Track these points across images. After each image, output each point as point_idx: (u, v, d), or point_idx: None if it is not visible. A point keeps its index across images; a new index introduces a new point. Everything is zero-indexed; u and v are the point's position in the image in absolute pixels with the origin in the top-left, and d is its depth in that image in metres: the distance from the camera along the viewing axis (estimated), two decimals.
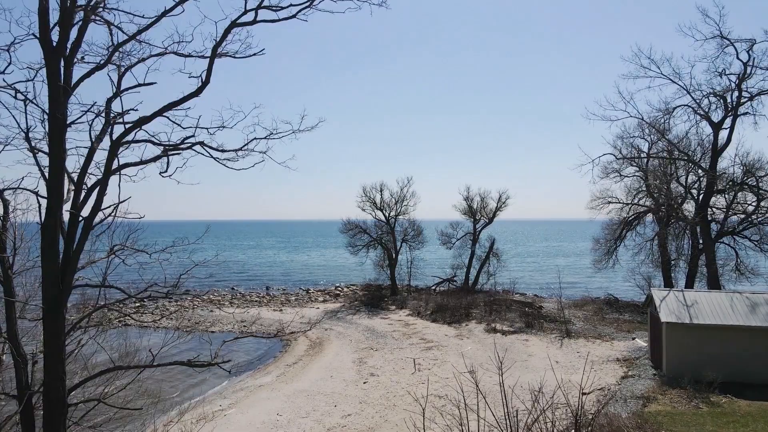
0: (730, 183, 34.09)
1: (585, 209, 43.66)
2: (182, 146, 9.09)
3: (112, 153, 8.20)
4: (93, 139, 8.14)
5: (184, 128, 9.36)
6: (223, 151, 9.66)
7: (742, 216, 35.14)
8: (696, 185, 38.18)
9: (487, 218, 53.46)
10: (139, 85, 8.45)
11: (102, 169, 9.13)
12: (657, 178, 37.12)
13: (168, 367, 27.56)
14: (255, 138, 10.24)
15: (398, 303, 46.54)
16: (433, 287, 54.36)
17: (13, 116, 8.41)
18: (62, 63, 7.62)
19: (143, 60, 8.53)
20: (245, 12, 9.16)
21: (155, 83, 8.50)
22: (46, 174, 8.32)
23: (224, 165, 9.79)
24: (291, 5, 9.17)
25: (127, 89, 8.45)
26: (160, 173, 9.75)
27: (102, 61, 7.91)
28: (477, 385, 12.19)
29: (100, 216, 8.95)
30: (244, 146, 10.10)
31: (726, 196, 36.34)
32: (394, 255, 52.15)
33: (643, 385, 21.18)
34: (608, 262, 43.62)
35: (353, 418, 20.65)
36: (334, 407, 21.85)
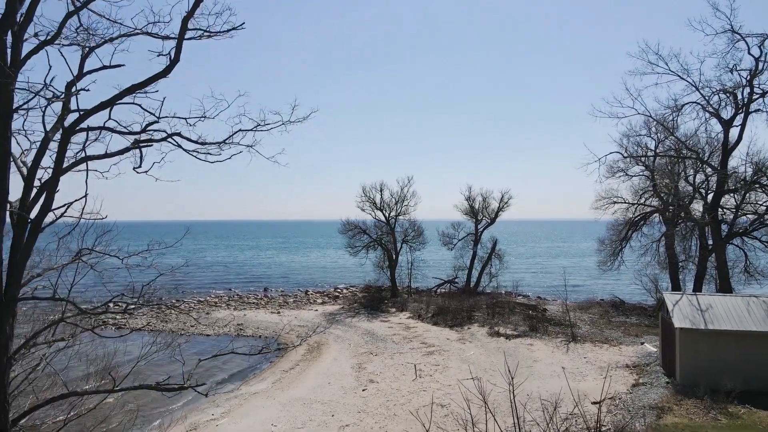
0: (741, 182, 33.05)
1: (589, 209, 42.64)
2: (155, 137, 8.07)
3: (64, 143, 7.19)
4: (47, 129, 7.13)
5: (159, 118, 8.34)
6: (203, 143, 8.65)
7: (753, 216, 34.10)
8: (704, 185, 37.16)
9: (489, 218, 52.45)
10: (105, 67, 7.44)
11: (67, 163, 8.09)
12: (666, 177, 36.06)
13: (159, 371, 26.38)
14: (240, 129, 9.23)
15: (398, 305, 45.52)
16: (434, 289, 53.33)
17: None
18: (10, 37, 6.60)
19: (111, 40, 7.52)
20: None
21: (123, 65, 7.49)
22: None
23: (205, 160, 8.78)
24: None
25: (90, 71, 7.43)
26: (134, 168, 8.74)
27: (52, 34, 6.87)
28: (486, 403, 11.20)
29: (50, 217, 7.92)
30: (227, 139, 9.08)
31: (735, 195, 35.34)
32: (394, 256, 51.13)
33: (656, 394, 20.15)
34: (613, 263, 42.56)
35: (351, 429, 19.63)
36: (332, 417, 20.83)
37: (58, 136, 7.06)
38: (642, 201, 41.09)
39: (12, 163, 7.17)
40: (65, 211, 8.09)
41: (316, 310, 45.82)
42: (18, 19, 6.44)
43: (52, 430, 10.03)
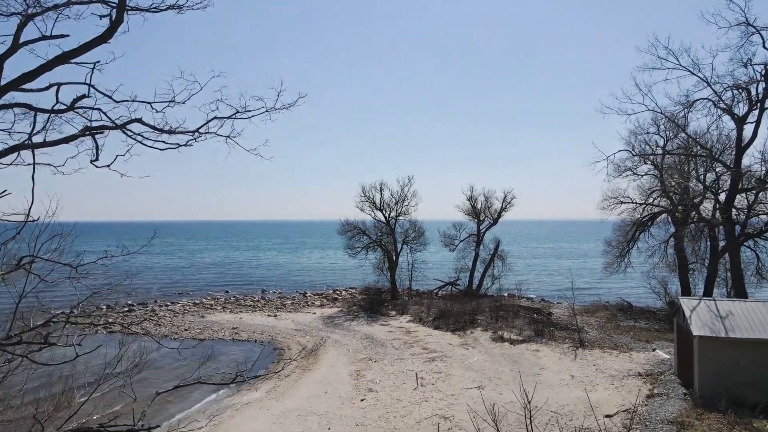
0: (756, 181, 31.78)
1: (595, 209, 41.32)
2: (107, 124, 6.82)
3: None
4: None
5: (117, 102, 7.09)
6: (171, 132, 7.38)
7: (767, 217, 32.84)
8: (715, 184, 35.89)
9: (491, 219, 51.20)
10: (44, 38, 6.19)
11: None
12: (678, 175, 34.77)
13: (147, 379, 25.06)
14: (217, 117, 7.97)
15: (399, 308, 44.25)
16: (436, 291, 52.06)
17: None
18: None
19: (56, 7, 6.28)
20: None
21: (68, 36, 6.25)
22: None
23: (176, 148, 7.52)
24: None
25: (27, 42, 6.19)
26: (91, 162, 7.47)
27: None
28: (496, 426, 9.98)
29: None
30: (202, 127, 7.82)
31: (747, 195, 34.08)
32: (394, 257, 49.89)
33: (673, 406, 18.87)
34: (620, 265, 41.28)
35: None
36: (328, 430, 19.57)
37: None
38: (650, 201, 39.82)
39: None
40: None
41: (314, 314, 44.56)
42: None
43: None
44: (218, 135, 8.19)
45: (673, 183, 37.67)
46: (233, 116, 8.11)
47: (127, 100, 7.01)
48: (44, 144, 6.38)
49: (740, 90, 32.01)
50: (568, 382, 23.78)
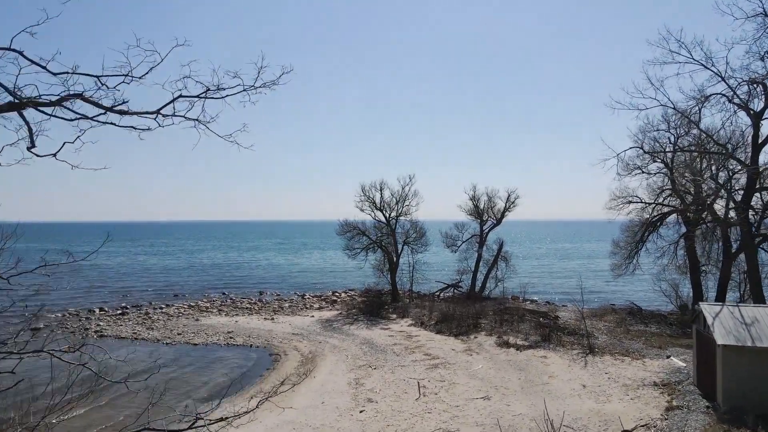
0: None
1: (603, 209, 39.96)
2: (41, 100, 5.49)
3: None
4: None
5: (55, 74, 5.75)
6: (123, 112, 6.04)
7: None
8: (728, 183, 34.53)
9: (494, 219, 49.86)
10: None
11: None
12: (693, 173, 33.39)
13: (135, 387, 23.73)
14: (182, 96, 6.61)
15: (399, 311, 42.90)
16: (437, 293, 50.73)
17: None
18: None
19: None
20: None
21: None
22: None
23: (133, 131, 6.19)
24: None
25: None
26: (28, 149, 6.13)
27: None
28: None
29: None
30: (163, 108, 6.47)
31: (763, 194, 32.75)
32: (394, 258, 48.54)
33: (696, 421, 17.51)
34: (628, 267, 39.93)
35: None
36: None
37: None
38: (660, 200, 38.46)
39: None
40: None
41: (312, 317, 43.20)
42: None
43: None
44: (186, 118, 6.84)
45: (685, 181, 36.34)
46: (203, 95, 6.76)
47: (66, 72, 5.66)
48: None
49: (756, 84, 30.61)
50: (580, 392, 22.42)
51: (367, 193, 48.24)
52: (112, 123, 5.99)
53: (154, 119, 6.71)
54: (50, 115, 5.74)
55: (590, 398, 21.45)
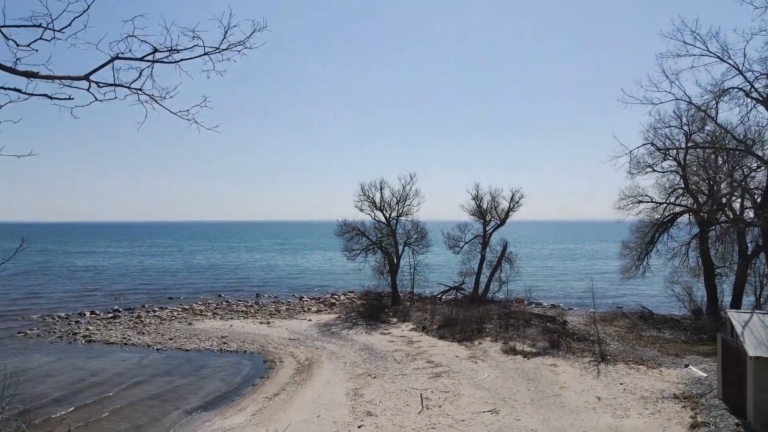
0: None
1: (612, 209, 38.45)
2: None
3: None
4: None
5: None
6: (31, 75, 4.51)
7: None
8: (744, 181, 32.98)
9: (498, 219, 48.29)
10: None
11: None
12: (706, 171, 31.82)
13: (124, 398, 22.13)
14: (120, 57, 5.10)
15: (400, 315, 41.35)
16: (439, 296, 49.19)
17: None
18: None
19: None
20: None
21: None
22: None
23: (49, 99, 4.68)
24: None
25: None
26: None
27: None
28: None
29: None
30: (95, 72, 4.94)
31: None
32: (395, 260, 47.01)
33: None
34: (638, 269, 38.38)
35: None
36: None
37: None
38: (672, 200, 36.93)
39: None
40: None
41: (310, 320, 41.66)
42: None
43: None
44: (127, 88, 5.30)
45: (698, 179, 34.80)
46: (149, 58, 5.23)
47: None
48: None
49: None
50: (594, 405, 20.87)
51: (367, 193, 46.78)
52: (16, 89, 4.45)
53: (87, 89, 5.17)
54: None
55: (606, 412, 19.91)
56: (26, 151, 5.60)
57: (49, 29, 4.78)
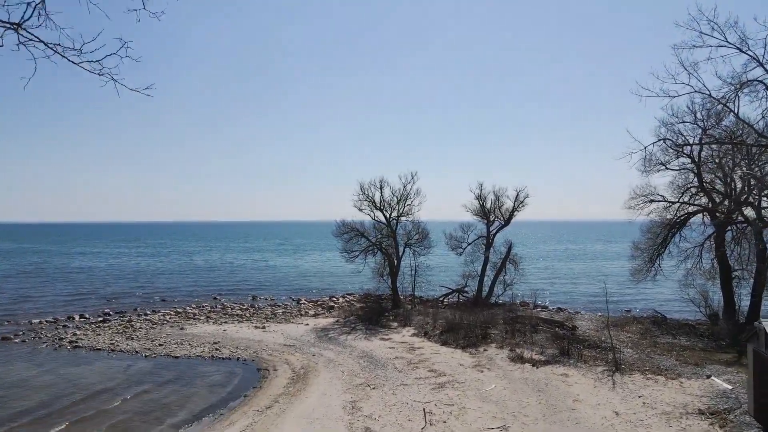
0: None
1: (622, 209, 36.80)
2: None
3: None
4: None
5: None
6: None
7: None
8: (766, 177, 31.26)
9: (502, 219, 46.65)
10: None
11: None
12: (732, 168, 30.15)
13: (107, 413, 20.43)
14: None
15: (401, 319, 39.66)
16: (441, 299, 47.52)
17: None
18: None
19: None
20: None
21: None
22: None
23: None
24: None
25: None
26: None
27: None
28: None
29: None
30: None
31: None
32: (395, 262, 45.34)
33: None
34: (649, 272, 36.71)
35: None
36: None
37: None
38: (686, 199, 35.26)
39: None
40: None
41: (307, 325, 39.98)
42: None
43: None
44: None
45: (713, 177, 33.12)
46: None
47: None
48: None
49: None
50: (613, 421, 19.20)
51: (366, 192, 45.13)
52: None
53: None
54: None
55: (626, 430, 18.23)
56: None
57: None
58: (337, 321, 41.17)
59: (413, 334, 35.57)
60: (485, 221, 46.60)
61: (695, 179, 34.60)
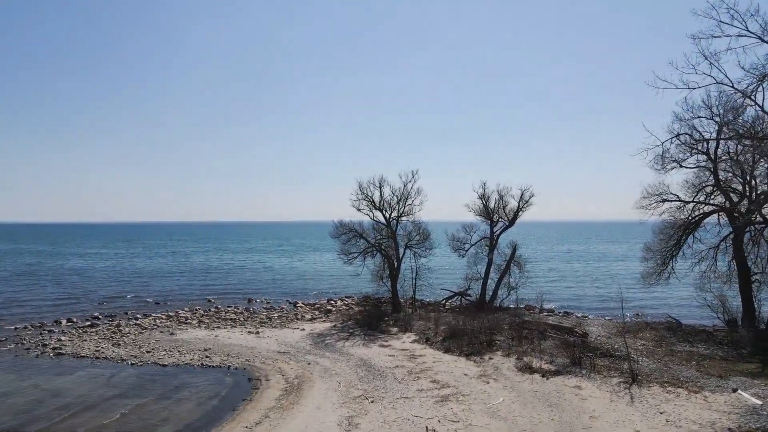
0: None
1: (634, 209, 35.09)
2: None
3: None
4: None
5: None
6: None
7: None
8: None
9: (506, 220, 44.87)
10: None
11: None
12: (760, 165, 28.42)
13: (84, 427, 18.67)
14: None
15: (401, 324, 37.91)
16: (443, 302, 45.77)
17: None
18: None
19: None
20: None
21: None
22: None
23: None
24: None
25: None
26: None
27: None
28: None
29: None
30: None
31: None
32: (395, 264, 43.57)
33: None
34: (662, 275, 34.97)
35: None
36: None
37: None
38: (701, 199, 33.53)
39: None
40: None
41: (303, 330, 38.23)
42: None
43: None
44: None
45: (731, 175, 31.39)
46: None
47: None
48: None
49: None
50: None
51: (365, 191, 43.39)
52: None
53: None
54: None
55: None
56: None
57: None
58: (334, 326, 39.46)
59: (414, 341, 33.82)
60: (489, 222, 44.86)
61: (711, 177, 32.87)
